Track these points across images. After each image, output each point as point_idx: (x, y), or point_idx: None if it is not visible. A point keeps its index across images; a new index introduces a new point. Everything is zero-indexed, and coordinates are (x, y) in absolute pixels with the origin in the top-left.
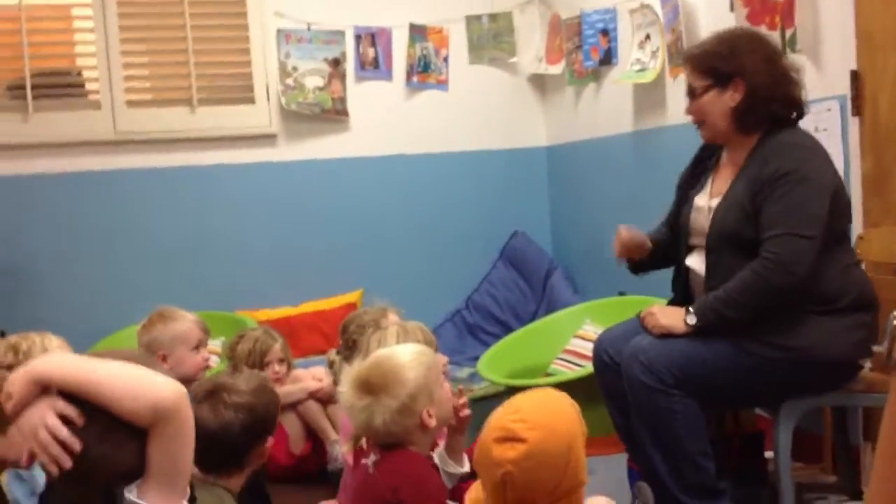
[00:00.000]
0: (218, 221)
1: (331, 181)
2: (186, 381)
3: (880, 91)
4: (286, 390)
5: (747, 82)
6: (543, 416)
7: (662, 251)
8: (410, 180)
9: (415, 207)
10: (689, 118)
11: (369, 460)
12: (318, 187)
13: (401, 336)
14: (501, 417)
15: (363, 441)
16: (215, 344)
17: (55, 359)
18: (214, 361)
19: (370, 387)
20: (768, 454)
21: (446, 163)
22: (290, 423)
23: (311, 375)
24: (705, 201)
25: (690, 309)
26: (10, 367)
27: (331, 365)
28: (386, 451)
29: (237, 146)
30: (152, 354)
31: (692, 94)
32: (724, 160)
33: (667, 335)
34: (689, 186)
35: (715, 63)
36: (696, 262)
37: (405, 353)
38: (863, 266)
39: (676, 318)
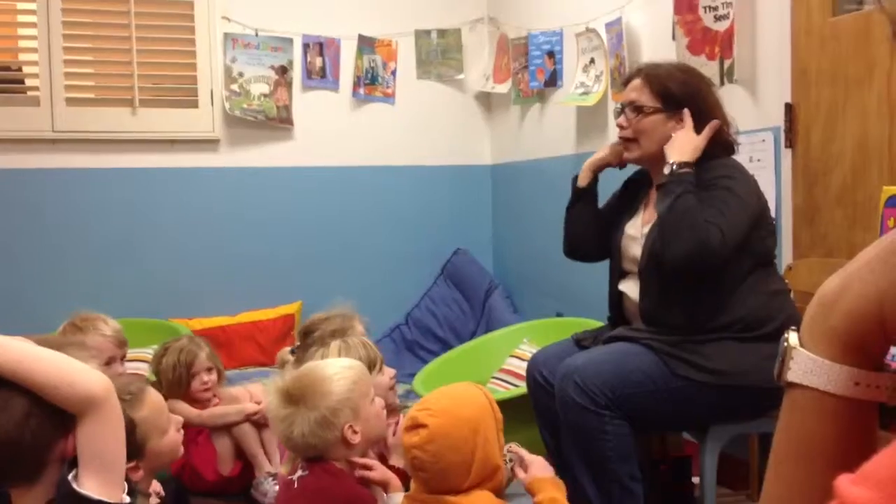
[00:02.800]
0: (155, 226)
1: (272, 190)
2: None
3: (813, 125)
4: (221, 411)
5: (695, 118)
6: (446, 404)
7: (591, 219)
8: (353, 192)
9: (357, 220)
10: (620, 133)
11: (296, 476)
12: (259, 195)
13: (343, 352)
14: (412, 409)
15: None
16: (147, 352)
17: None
18: (145, 370)
19: (291, 397)
20: (695, 479)
21: (390, 176)
22: (220, 443)
23: (249, 396)
24: (637, 230)
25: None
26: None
27: (282, 365)
28: (312, 465)
29: (178, 150)
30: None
31: (636, 109)
32: (653, 193)
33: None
34: (620, 211)
35: (672, 89)
36: (629, 287)
37: (331, 366)
38: (791, 295)
39: (680, 153)
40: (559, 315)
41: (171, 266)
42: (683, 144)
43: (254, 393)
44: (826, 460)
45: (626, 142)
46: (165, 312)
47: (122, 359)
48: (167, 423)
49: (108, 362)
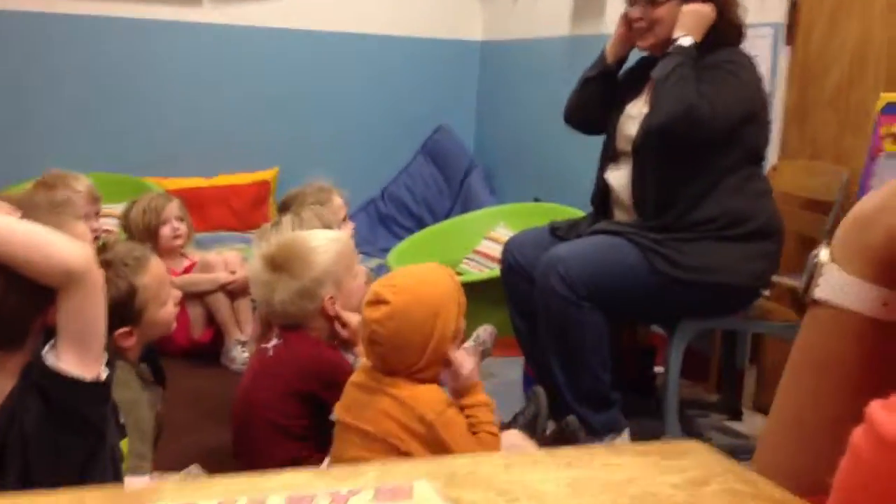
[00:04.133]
0: (134, 80)
1: (256, 51)
2: None
3: (816, 22)
4: (194, 279)
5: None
6: (410, 282)
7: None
8: (337, 59)
9: (339, 88)
10: (635, 25)
11: (270, 344)
12: (241, 56)
13: (295, 226)
14: (376, 284)
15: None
16: (117, 208)
17: None
18: (114, 227)
19: (276, 264)
20: (658, 369)
21: (376, 45)
22: (193, 309)
23: (224, 264)
24: (638, 109)
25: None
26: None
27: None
28: (286, 333)
29: (161, 2)
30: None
31: (651, 1)
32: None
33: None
34: (625, 91)
35: None
36: (616, 176)
37: (318, 237)
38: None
39: (687, 29)
40: (536, 200)
41: (147, 122)
42: (692, 19)
43: (229, 261)
44: (846, 379)
45: (640, 31)
46: (139, 170)
47: (97, 215)
48: (167, 295)
49: (83, 218)
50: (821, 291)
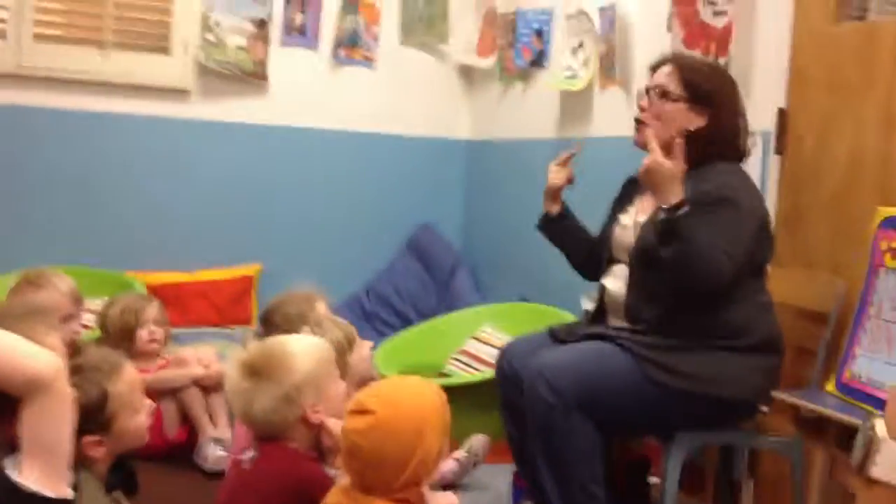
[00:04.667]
0: (117, 173)
1: (241, 146)
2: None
3: (807, 131)
4: (168, 375)
5: (714, 118)
6: (397, 395)
7: (576, 237)
8: (324, 156)
9: (324, 184)
10: (638, 115)
11: (246, 457)
12: (226, 151)
13: (317, 333)
14: (360, 393)
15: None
16: (97, 302)
17: None
18: (92, 323)
19: (255, 371)
20: (653, 479)
21: (363, 143)
22: (166, 407)
23: (197, 359)
24: (631, 219)
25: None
26: None
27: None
28: (265, 445)
29: (147, 97)
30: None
31: (661, 94)
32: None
33: (654, 183)
34: (617, 209)
35: (700, 81)
36: (613, 282)
37: (299, 342)
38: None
39: (668, 195)
40: (522, 299)
41: (129, 216)
42: (666, 183)
43: (202, 356)
44: None
45: (638, 124)
46: (120, 264)
47: (79, 317)
48: (140, 404)
49: (66, 320)
50: (879, 471)
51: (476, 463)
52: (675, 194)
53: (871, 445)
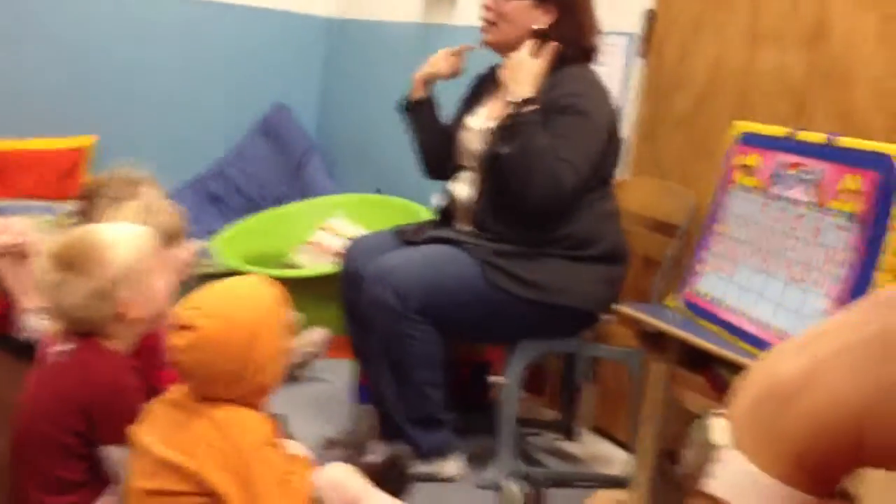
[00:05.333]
0: None
1: (79, 9)
2: None
3: (671, 36)
4: None
5: (562, 14)
6: (221, 305)
7: (435, 129)
8: (171, 25)
9: (171, 56)
10: (483, 14)
11: (61, 347)
12: (63, 12)
13: (143, 214)
14: (182, 305)
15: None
16: None
17: None
18: None
19: (65, 262)
20: (494, 378)
21: (214, 13)
22: None
23: (6, 228)
24: (480, 123)
25: (531, 107)
26: None
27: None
28: (79, 340)
29: None
30: None
31: None
32: (503, 85)
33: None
34: (464, 109)
35: None
36: (460, 187)
37: (116, 231)
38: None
39: (520, 86)
40: (378, 191)
41: None
42: (523, 75)
43: (9, 225)
44: None
45: (486, 24)
46: None
47: None
48: None
49: None
50: (719, 486)
51: (315, 355)
52: (528, 89)
53: (707, 450)
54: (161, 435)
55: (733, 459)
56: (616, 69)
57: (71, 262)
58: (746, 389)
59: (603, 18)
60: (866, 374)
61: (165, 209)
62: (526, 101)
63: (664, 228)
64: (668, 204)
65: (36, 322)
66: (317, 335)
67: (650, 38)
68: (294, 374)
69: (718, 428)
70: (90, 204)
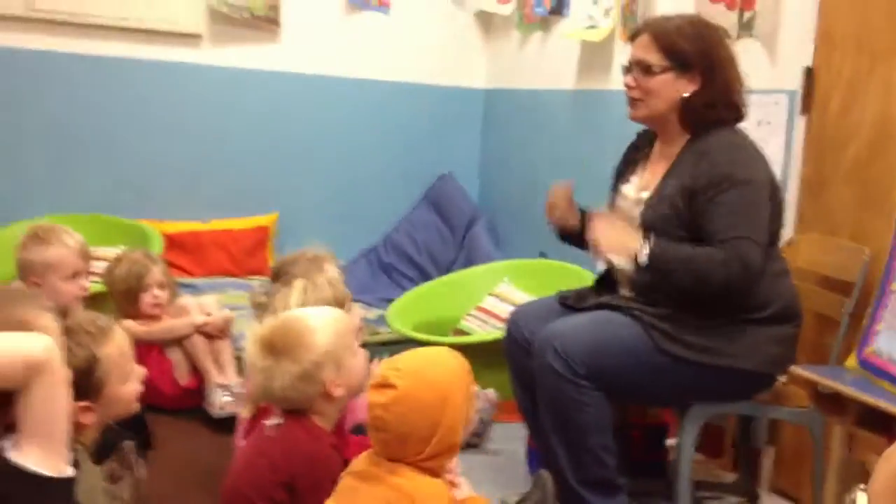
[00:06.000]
0: (130, 120)
1: (254, 93)
2: (61, 309)
3: (833, 92)
4: (169, 325)
5: (705, 77)
6: (418, 367)
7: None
8: (339, 104)
9: (340, 134)
10: (628, 93)
11: (271, 422)
12: (240, 98)
13: (308, 291)
14: (382, 366)
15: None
16: (114, 251)
17: None
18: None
19: (273, 348)
20: (669, 442)
21: (379, 91)
22: (174, 355)
23: (199, 308)
24: (634, 192)
25: (647, 245)
26: None
27: (255, 306)
28: (289, 417)
29: (158, 41)
30: (25, 278)
31: (645, 69)
32: (655, 152)
33: (606, 252)
34: (621, 177)
35: (682, 46)
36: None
37: (316, 317)
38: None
39: (630, 246)
40: (542, 255)
41: (143, 164)
42: (616, 242)
43: (203, 305)
44: None
45: (632, 100)
46: (135, 212)
47: (87, 273)
48: (131, 370)
49: (74, 276)
50: None
51: (489, 421)
52: (632, 244)
53: None
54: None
55: None
56: (778, 127)
57: (278, 348)
58: (881, 470)
59: (761, 75)
60: None
61: (326, 282)
62: (637, 263)
63: (838, 286)
64: (840, 261)
65: (222, 397)
66: (487, 396)
67: (811, 94)
68: (472, 442)
69: (861, 499)
70: (280, 282)
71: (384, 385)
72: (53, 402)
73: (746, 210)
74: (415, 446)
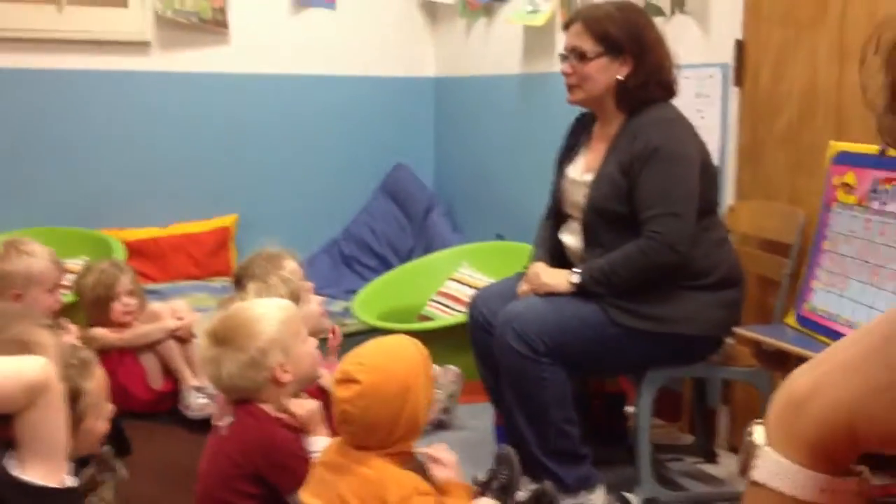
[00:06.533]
0: (84, 130)
1: (206, 97)
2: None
3: (763, 63)
4: (143, 331)
5: (637, 59)
6: (380, 360)
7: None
8: (291, 102)
9: (294, 131)
10: (566, 80)
11: (223, 422)
12: (192, 103)
13: (263, 292)
14: (345, 361)
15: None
16: (76, 262)
17: None
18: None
19: (219, 338)
20: (630, 409)
21: (329, 86)
22: (147, 361)
23: (171, 312)
24: (578, 175)
25: (575, 270)
26: None
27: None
28: (238, 409)
29: (107, 51)
30: (3, 291)
31: (580, 56)
32: (595, 134)
33: (550, 294)
34: (565, 160)
35: (613, 32)
36: (569, 237)
37: (260, 306)
38: (731, 239)
39: (560, 278)
40: (499, 237)
41: (99, 173)
42: (548, 286)
43: (175, 309)
44: None
45: (570, 86)
46: (94, 222)
47: (60, 285)
48: (105, 407)
49: (52, 288)
50: (758, 474)
51: (455, 395)
52: (561, 282)
53: (750, 450)
54: (322, 497)
55: (767, 454)
56: (715, 98)
57: (225, 338)
58: (775, 400)
59: (695, 50)
60: (857, 381)
61: (280, 280)
62: (579, 277)
63: (778, 248)
64: (778, 224)
65: (196, 399)
66: (451, 374)
67: (742, 65)
68: (440, 420)
69: (758, 433)
70: (240, 284)
71: (348, 380)
72: (53, 419)
73: (672, 184)
74: (380, 435)
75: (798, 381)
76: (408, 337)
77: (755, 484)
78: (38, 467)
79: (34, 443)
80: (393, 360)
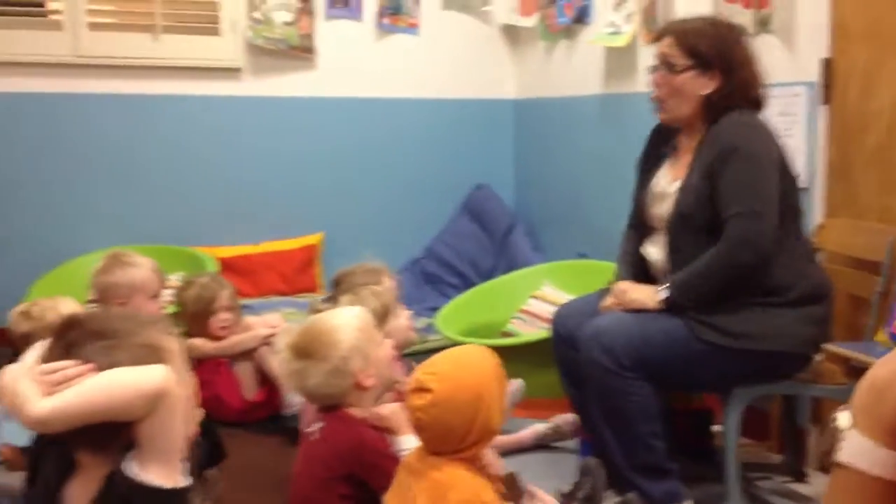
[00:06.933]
0: (178, 153)
1: (294, 120)
2: None
3: (850, 81)
4: (237, 339)
5: (725, 76)
6: (451, 369)
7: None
8: (375, 124)
9: (378, 152)
10: (655, 93)
11: (312, 428)
12: (281, 125)
13: (353, 304)
14: (418, 371)
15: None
16: (174, 278)
17: (47, 403)
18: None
19: (301, 351)
20: (716, 427)
21: (412, 109)
22: (242, 370)
23: (263, 323)
24: (665, 185)
25: (662, 288)
26: (26, 336)
27: (313, 312)
28: (327, 415)
29: (200, 77)
30: (108, 301)
31: (669, 68)
32: (681, 144)
33: (639, 310)
34: (646, 172)
35: (703, 47)
36: (653, 249)
37: (337, 316)
38: (818, 256)
39: (647, 295)
40: (581, 256)
41: (193, 193)
42: (638, 302)
43: (268, 321)
44: None
45: (659, 103)
46: (189, 240)
47: (162, 294)
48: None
49: (154, 296)
50: (843, 455)
51: (559, 438)
52: (649, 298)
53: (836, 433)
54: (399, 498)
55: (852, 436)
56: (800, 117)
57: (307, 350)
58: (859, 387)
59: (780, 69)
60: None
61: (371, 294)
62: (666, 292)
63: (868, 266)
64: (868, 242)
65: (297, 398)
66: (563, 419)
67: (829, 84)
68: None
69: (843, 418)
70: (338, 289)
71: (421, 389)
72: (171, 423)
73: (751, 182)
74: (453, 441)
75: (880, 369)
76: (480, 346)
77: (840, 465)
78: (157, 469)
79: (154, 446)
80: (464, 368)
